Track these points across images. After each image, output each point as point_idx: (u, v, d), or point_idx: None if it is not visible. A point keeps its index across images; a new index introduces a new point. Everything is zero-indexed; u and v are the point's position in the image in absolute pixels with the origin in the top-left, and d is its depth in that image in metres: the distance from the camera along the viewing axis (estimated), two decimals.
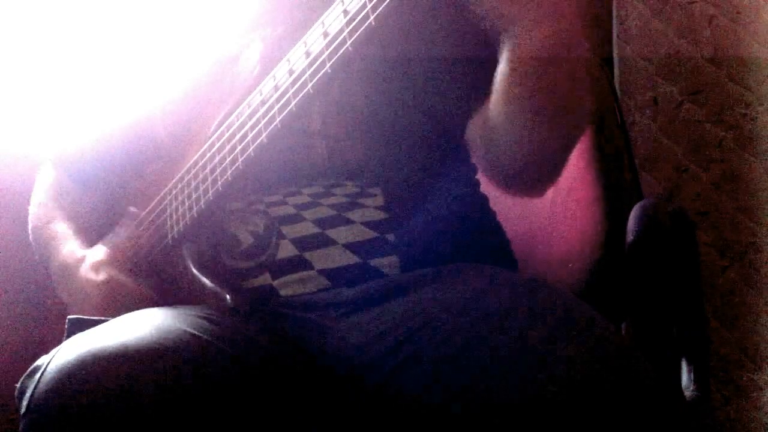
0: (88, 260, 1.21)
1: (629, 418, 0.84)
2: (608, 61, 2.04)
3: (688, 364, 1.21)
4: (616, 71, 2.04)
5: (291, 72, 1.02)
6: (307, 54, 1.00)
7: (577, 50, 0.87)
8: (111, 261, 1.20)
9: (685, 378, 1.20)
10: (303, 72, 1.00)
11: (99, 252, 1.22)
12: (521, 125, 1.00)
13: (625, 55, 2.04)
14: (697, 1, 1.92)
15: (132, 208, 1.26)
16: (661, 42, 1.95)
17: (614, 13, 2.09)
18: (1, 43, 1.76)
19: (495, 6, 0.85)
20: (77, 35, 1.63)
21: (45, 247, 1.29)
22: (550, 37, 0.85)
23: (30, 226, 1.34)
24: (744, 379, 1.82)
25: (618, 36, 2.05)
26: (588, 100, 0.99)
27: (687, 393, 1.19)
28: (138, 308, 1.12)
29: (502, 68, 0.94)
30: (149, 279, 1.21)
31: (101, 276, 1.18)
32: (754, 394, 1.82)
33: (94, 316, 1.13)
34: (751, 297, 1.84)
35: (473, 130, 1.13)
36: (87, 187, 1.33)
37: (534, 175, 1.11)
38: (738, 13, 1.87)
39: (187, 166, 1.18)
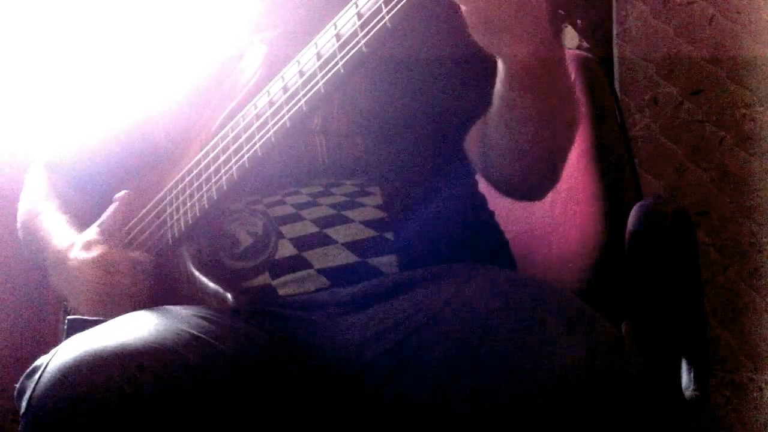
0: (79, 241, 1.18)
1: (628, 418, 0.84)
2: (608, 61, 2.03)
3: (688, 364, 1.21)
4: (616, 71, 2.03)
5: (301, 73, 1.03)
6: (319, 56, 1.01)
7: (557, 54, 1.01)
8: (103, 239, 1.17)
9: (685, 378, 1.20)
10: (314, 74, 1.01)
11: (90, 232, 1.19)
12: (518, 130, 1.06)
13: (625, 55, 2.03)
14: (697, 1, 1.91)
15: (120, 193, 1.23)
16: (661, 42, 1.94)
17: (614, 13, 2.08)
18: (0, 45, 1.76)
19: (480, 39, 0.95)
20: (77, 37, 1.63)
21: (36, 239, 1.26)
22: (532, 53, 0.95)
23: (19, 222, 1.32)
24: (744, 379, 1.82)
25: (618, 36, 2.05)
26: (575, 101, 1.09)
27: (687, 393, 1.19)
28: (134, 280, 1.11)
29: (498, 82, 1.03)
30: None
31: (93, 253, 1.14)
32: (754, 394, 1.82)
33: (89, 296, 1.11)
34: (751, 297, 1.84)
35: (472, 144, 1.17)
36: (83, 190, 1.32)
37: (535, 179, 1.15)
38: (738, 13, 1.87)
39: (189, 166, 1.18)
